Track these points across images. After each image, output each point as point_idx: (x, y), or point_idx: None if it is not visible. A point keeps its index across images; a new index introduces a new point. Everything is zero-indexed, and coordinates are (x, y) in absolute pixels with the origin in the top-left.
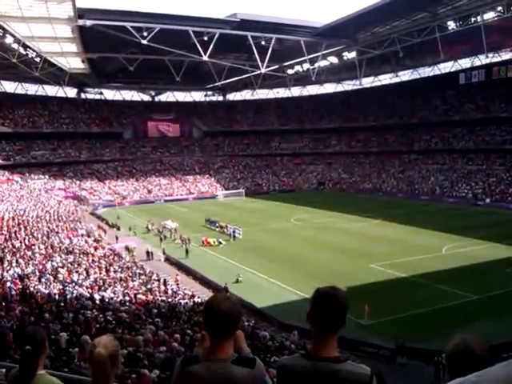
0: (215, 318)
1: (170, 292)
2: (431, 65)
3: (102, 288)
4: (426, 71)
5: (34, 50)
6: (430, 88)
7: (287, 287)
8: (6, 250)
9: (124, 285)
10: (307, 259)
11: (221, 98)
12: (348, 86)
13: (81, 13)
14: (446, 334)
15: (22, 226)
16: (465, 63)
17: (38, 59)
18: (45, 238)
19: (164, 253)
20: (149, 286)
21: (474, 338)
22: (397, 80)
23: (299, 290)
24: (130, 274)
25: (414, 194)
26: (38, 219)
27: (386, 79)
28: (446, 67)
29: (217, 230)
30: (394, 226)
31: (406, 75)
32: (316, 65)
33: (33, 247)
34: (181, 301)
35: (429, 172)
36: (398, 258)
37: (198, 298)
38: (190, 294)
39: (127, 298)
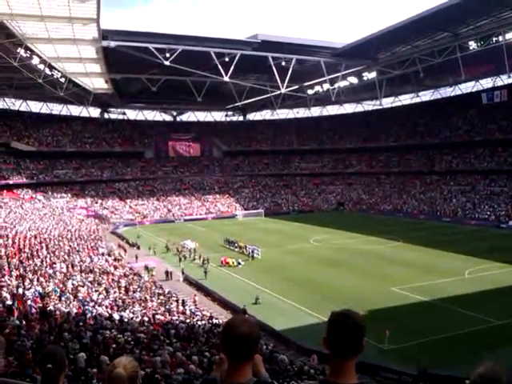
0: (233, 340)
1: (188, 313)
2: (452, 85)
3: (121, 308)
4: (448, 91)
5: (59, 71)
6: (452, 108)
7: (307, 309)
8: (28, 269)
9: (143, 305)
10: (327, 281)
11: (241, 118)
12: (368, 106)
13: (105, 34)
14: (469, 360)
15: (43, 245)
16: (486, 83)
17: (62, 79)
18: (66, 257)
19: (183, 273)
20: (167, 307)
21: (500, 368)
22: (417, 100)
23: (319, 313)
24: (149, 294)
25: (436, 216)
26: (60, 238)
27: (406, 99)
28: (468, 87)
29: (236, 250)
30: (415, 249)
31: (426, 95)
32: (336, 85)
33: (54, 266)
34: (199, 322)
35: (450, 193)
36: (420, 282)
37: (217, 319)
38: (209, 315)
39: (146, 319)
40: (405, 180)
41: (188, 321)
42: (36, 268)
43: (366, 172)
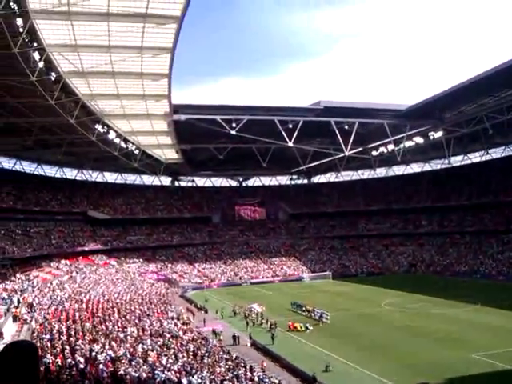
0: None
1: (256, 379)
2: None
3: (190, 373)
4: None
5: (133, 144)
6: None
7: (380, 378)
8: (100, 333)
9: (211, 370)
10: (401, 348)
11: (306, 181)
12: (436, 165)
13: (176, 109)
14: None
15: (115, 309)
16: None
17: (136, 151)
18: (136, 321)
19: (250, 337)
20: (235, 373)
21: None
22: (488, 157)
23: (394, 382)
24: (217, 359)
25: None
26: (131, 302)
27: (476, 157)
28: None
29: (303, 314)
30: (496, 312)
31: (497, 152)
32: (401, 145)
33: (125, 330)
34: None
35: None
36: (504, 348)
37: None
38: (277, 382)
39: None
40: (481, 239)
41: None
42: (108, 332)
43: (438, 232)
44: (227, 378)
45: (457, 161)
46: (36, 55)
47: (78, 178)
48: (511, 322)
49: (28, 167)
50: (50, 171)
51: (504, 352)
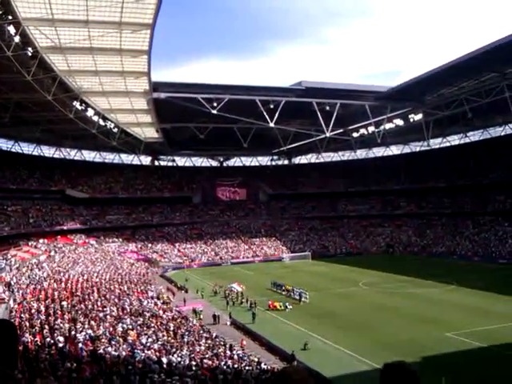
0: None
1: (235, 358)
2: (502, 124)
3: (170, 352)
4: (497, 131)
5: (112, 122)
6: (503, 148)
7: (357, 356)
8: (80, 312)
9: (191, 349)
10: (377, 326)
11: (286, 162)
12: (415, 147)
13: (155, 86)
14: None
15: (95, 288)
16: None
17: (115, 130)
18: (116, 300)
19: (230, 317)
20: (215, 351)
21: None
22: (467, 140)
23: (370, 360)
24: (197, 338)
25: (491, 258)
26: (111, 281)
27: (455, 140)
28: None
29: (283, 293)
30: (471, 292)
31: (476, 135)
32: (381, 127)
33: (104, 309)
34: (247, 367)
35: (506, 234)
36: (477, 327)
37: (265, 364)
38: (256, 360)
39: (193, 363)
40: (457, 221)
41: (236, 366)
42: (87, 312)
43: (416, 213)
44: (207, 356)
45: (436, 143)
46: (11, 29)
47: (56, 156)
48: (485, 302)
49: (5, 144)
50: (27, 149)
51: (477, 331)
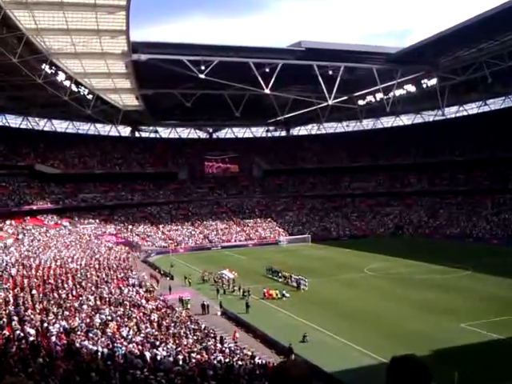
0: None
1: (227, 351)
2: None
3: (154, 345)
4: None
5: (86, 87)
6: None
7: (361, 349)
8: (52, 302)
9: (177, 342)
10: (384, 316)
11: (284, 134)
12: (428, 116)
13: (135, 47)
14: None
15: (69, 275)
16: None
17: (90, 96)
18: (93, 289)
19: (221, 306)
20: (204, 344)
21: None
22: (486, 109)
23: (375, 353)
24: (184, 330)
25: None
26: (87, 268)
27: (473, 108)
28: None
29: (280, 280)
30: (489, 279)
31: (496, 103)
32: (391, 94)
33: (80, 298)
34: (239, 362)
35: None
36: (495, 317)
37: (259, 359)
38: (250, 354)
39: (180, 357)
40: (474, 200)
41: (227, 360)
42: (61, 301)
43: (428, 191)
44: (195, 350)
45: (451, 112)
46: None
47: (22, 127)
48: (503, 289)
49: None
50: None
51: (495, 321)
